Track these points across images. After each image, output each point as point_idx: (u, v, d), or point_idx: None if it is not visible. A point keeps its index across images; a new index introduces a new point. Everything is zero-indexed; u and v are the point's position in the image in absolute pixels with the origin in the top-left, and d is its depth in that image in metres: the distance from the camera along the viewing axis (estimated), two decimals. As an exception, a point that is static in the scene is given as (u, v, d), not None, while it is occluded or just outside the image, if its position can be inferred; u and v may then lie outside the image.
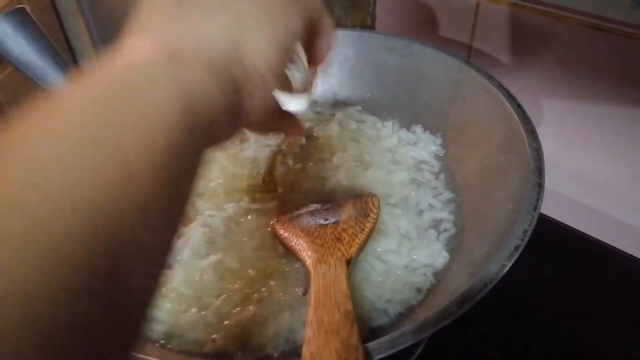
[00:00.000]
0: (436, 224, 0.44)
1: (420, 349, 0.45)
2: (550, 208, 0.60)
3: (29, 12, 0.49)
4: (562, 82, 0.59)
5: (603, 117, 0.58)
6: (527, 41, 0.60)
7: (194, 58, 0.22)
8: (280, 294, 0.38)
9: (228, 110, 0.23)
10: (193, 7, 0.23)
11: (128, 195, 0.16)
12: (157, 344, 0.36)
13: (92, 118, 0.17)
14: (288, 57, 0.26)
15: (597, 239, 0.58)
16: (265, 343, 0.36)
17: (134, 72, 0.20)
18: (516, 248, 0.33)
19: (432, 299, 0.38)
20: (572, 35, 0.56)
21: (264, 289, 0.39)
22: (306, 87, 0.32)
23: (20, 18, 0.48)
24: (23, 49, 0.48)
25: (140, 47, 0.21)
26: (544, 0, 0.56)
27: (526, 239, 0.33)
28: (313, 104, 0.59)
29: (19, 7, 0.48)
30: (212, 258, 0.41)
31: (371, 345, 0.28)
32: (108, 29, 1.58)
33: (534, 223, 0.34)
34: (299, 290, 0.39)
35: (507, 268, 0.32)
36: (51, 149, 0.16)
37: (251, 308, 0.38)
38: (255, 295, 0.39)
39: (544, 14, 0.57)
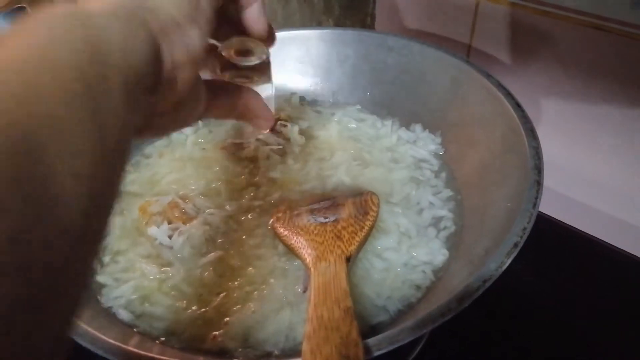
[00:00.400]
0: (436, 222, 0.44)
1: (419, 347, 0.45)
2: (550, 207, 0.60)
3: (30, 11, 0.49)
4: (562, 81, 0.59)
5: (602, 116, 0.58)
6: (527, 41, 0.60)
7: (100, 8, 0.22)
8: (281, 292, 0.39)
9: (150, 62, 0.23)
10: None
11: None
12: (157, 341, 0.36)
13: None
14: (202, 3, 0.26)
15: (598, 238, 0.58)
16: (265, 340, 0.36)
17: (39, 26, 0.20)
18: (515, 245, 0.33)
19: (431, 296, 0.38)
20: (572, 34, 0.56)
21: (264, 286, 0.39)
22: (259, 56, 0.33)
23: (21, 17, 0.48)
24: (24, 48, 0.48)
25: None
26: (544, 0, 0.56)
27: (525, 236, 0.33)
28: (313, 102, 0.59)
29: (20, 6, 0.49)
30: (213, 256, 0.41)
31: (371, 341, 0.29)
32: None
33: (533, 220, 0.34)
34: (298, 288, 0.39)
35: (507, 265, 0.32)
36: None
37: (251, 305, 0.38)
38: (256, 292, 0.39)
39: (544, 14, 0.57)
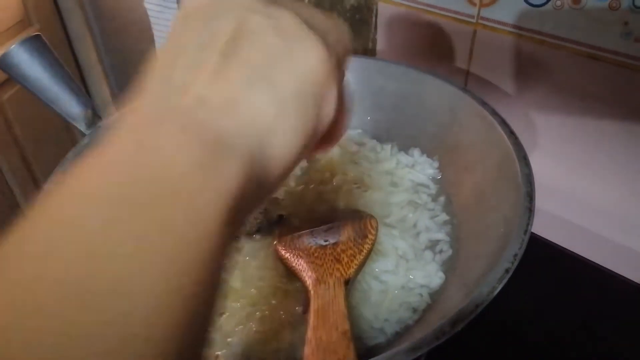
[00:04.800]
0: (432, 245, 0.45)
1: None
2: (547, 230, 0.61)
3: (44, 39, 0.51)
4: (558, 107, 0.61)
5: (598, 141, 0.59)
6: (523, 68, 0.62)
7: (234, 151, 0.19)
8: (281, 312, 0.40)
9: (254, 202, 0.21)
10: (239, 68, 0.20)
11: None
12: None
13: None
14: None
15: (596, 263, 0.59)
16: (265, 359, 0.37)
17: (163, 174, 0.17)
18: (506, 271, 0.34)
19: (427, 318, 0.39)
20: (567, 63, 0.58)
21: (265, 307, 0.41)
22: None
23: (36, 45, 0.50)
24: (38, 74, 0.50)
25: (166, 130, 0.18)
26: (539, 30, 0.58)
27: (516, 262, 0.35)
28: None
29: (35, 35, 0.51)
30: (216, 277, 0.43)
31: (367, 364, 0.30)
32: (115, 47, 1.62)
33: (524, 246, 0.36)
34: (299, 309, 0.40)
35: (498, 290, 0.33)
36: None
37: (253, 325, 0.39)
38: (257, 313, 0.40)
39: (540, 43, 0.59)
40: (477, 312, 0.32)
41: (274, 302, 0.41)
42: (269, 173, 0.20)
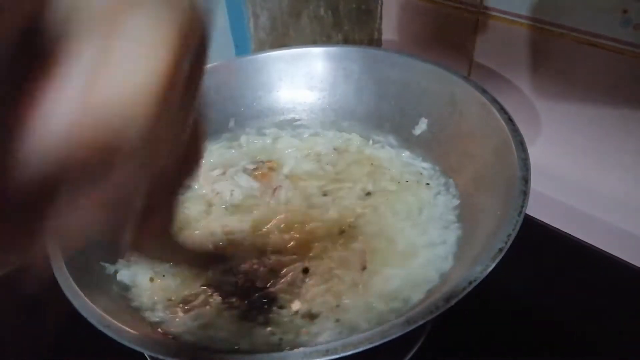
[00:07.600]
0: (438, 230, 0.47)
1: (416, 347, 0.48)
2: (549, 216, 0.62)
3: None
4: (560, 95, 0.62)
5: (598, 128, 0.60)
6: (526, 56, 0.63)
7: None
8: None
9: None
10: None
11: None
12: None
13: None
14: None
15: (599, 248, 0.59)
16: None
17: None
18: (500, 250, 0.36)
19: (432, 297, 0.41)
20: (567, 50, 0.59)
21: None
22: None
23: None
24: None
25: None
26: (540, 18, 0.59)
27: (510, 242, 0.36)
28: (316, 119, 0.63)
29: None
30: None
31: (364, 335, 0.32)
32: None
33: (517, 227, 0.37)
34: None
35: (491, 268, 0.35)
36: None
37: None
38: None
39: (540, 31, 0.60)
40: (470, 289, 0.34)
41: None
42: None
